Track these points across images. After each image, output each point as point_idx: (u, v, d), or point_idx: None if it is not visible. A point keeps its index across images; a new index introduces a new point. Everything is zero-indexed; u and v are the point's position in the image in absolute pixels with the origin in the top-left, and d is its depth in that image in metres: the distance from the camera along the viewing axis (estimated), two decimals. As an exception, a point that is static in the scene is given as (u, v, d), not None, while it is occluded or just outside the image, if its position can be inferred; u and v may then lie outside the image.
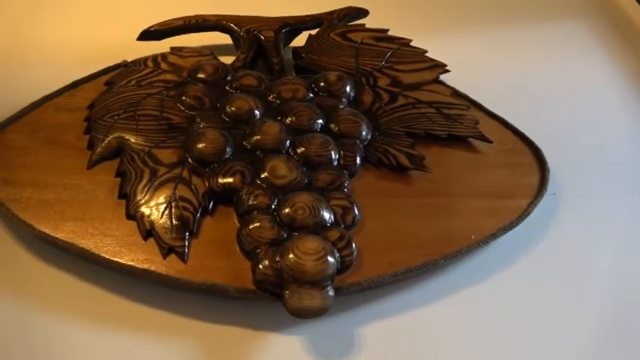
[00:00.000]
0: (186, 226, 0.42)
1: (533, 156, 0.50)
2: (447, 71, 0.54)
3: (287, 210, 0.42)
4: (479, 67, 0.60)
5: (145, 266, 0.40)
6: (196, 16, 0.56)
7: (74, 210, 0.42)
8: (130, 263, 0.40)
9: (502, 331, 0.42)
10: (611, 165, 0.53)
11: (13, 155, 0.45)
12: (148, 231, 0.41)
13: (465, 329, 0.42)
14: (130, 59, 0.52)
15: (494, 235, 0.45)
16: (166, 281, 0.40)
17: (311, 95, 0.51)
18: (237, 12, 0.57)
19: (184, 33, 0.55)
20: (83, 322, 0.40)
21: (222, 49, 0.56)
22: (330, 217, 0.42)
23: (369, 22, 0.58)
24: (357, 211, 0.44)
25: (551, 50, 0.63)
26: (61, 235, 0.41)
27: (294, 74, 0.55)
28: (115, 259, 0.40)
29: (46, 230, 0.41)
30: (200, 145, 0.45)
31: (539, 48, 0.63)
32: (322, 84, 0.51)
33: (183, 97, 0.49)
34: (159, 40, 0.54)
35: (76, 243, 0.40)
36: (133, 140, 0.46)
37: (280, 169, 0.44)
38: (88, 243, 0.41)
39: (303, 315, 0.38)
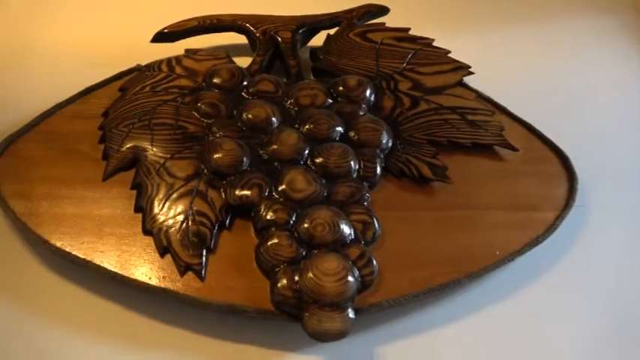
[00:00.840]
0: (203, 242, 0.41)
1: (560, 164, 0.49)
2: (471, 73, 0.52)
3: (306, 226, 0.41)
4: (503, 65, 0.57)
5: (162, 285, 0.39)
6: (211, 17, 0.54)
7: (90, 224, 0.42)
8: (146, 281, 0.39)
9: (527, 350, 0.41)
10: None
11: (27, 166, 0.44)
12: (165, 248, 0.41)
13: (489, 349, 0.41)
14: (143, 62, 0.50)
15: (520, 252, 0.43)
16: (184, 300, 0.39)
17: (330, 101, 0.49)
18: (252, 11, 0.55)
19: (199, 34, 0.54)
20: (100, 338, 0.40)
21: (238, 49, 0.55)
22: (350, 233, 0.41)
23: (389, 19, 0.55)
24: (377, 226, 0.42)
25: (580, 47, 0.60)
26: (78, 252, 0.40)
27: (311, 76, 0.53)
28: (132, 277, 0.40)
29: (62, 247, 0.40)
30: (216, 157, 0.44)
31: (568, 44, 0.60)
32: (341, 88, 0.49)
33: (199, 104, 0.47)
34: (173, 42, 0.53)
35: (93, 260, 0.40)
36: (148, 151, 0.45)
37: (298, 183, 0.43)
38: (104, 260, 0.40)
39: (323, 338, 0.37)
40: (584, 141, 0.51)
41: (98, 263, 0.40)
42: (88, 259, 0.40)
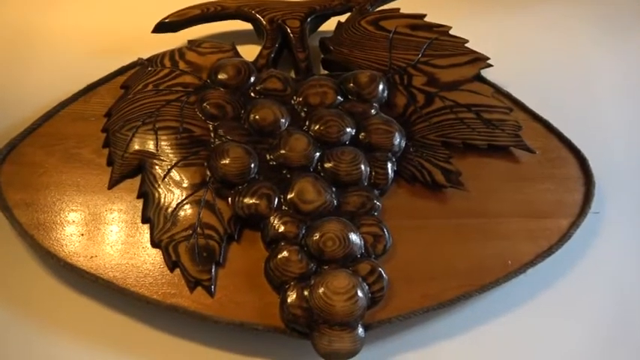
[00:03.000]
0: (212, 256, 0.40)
1: (578, 167, 0.47)
2: (489, 65, 0.49)
3: (315, 239, 0.40)
4: (525, 52, 0.54)
5: (172, 301, 0.39)
6: (215, 3, 0.51)
7: (98, 236, 0.41)
8: (155, 297, 0.39)
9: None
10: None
11: (31, 173, 0.43)
12: (174, 262, 0.40)
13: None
14: (144, 53, 0.48)
15: (532, 263, 0.43)
16: (194, 317, 0.39)
17: (340, 99, 0.47)
18: (258, -5, 0.52)
19: (202, 22, 0.51)
20: (109, 351, 0.40)
21: (244, 37, 0.52)
22: (360, 247, 0.41)
23: (403, 3, 0.52)
24: (388, 239, 0.42)
25: (612, 33, 0.55)
26: (87, 267, 0.40)
27: (321, 68, 0.51)
28: (142, 293, 0.40)
29: (72, 262, 0.40)
30: (223, 164, 0.42)
31: (598, 31, 0.55)
32: (352, 85, 0.47)
33: (204, 105, 0.45)
34: (175, 32, 0.50)
35: (102, 276, 0.40)
36: (153, 157, 0.43)
37: (308, 193, 0.42)
38: (114, 276, 0.40)
39: (334, 358, 0.38)
40: (604, 141, 0.49)
41: (108, 279, 0.40)
42: (98, 274, 0.40)
